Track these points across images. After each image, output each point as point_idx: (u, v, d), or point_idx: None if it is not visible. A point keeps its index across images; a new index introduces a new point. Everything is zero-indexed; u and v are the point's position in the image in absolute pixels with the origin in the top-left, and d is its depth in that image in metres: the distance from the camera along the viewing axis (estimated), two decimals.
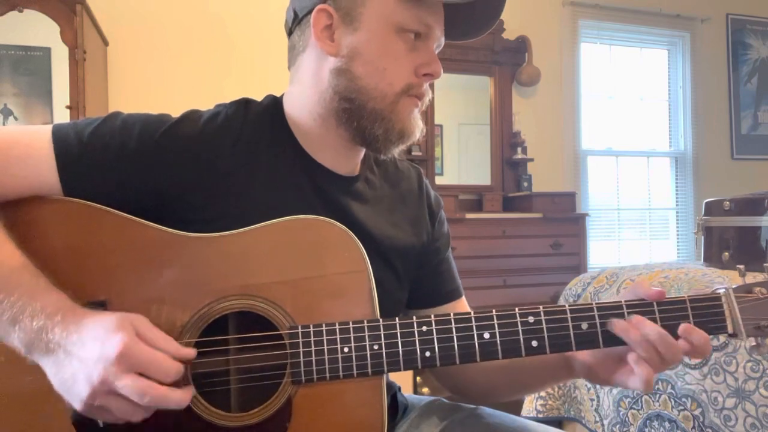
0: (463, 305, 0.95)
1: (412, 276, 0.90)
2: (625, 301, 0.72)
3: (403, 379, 2.39)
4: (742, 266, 0.75)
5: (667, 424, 1.34)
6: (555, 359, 0.80)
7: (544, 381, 0.88)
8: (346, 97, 0.78)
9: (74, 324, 0.62)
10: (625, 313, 0.71)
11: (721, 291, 0.73)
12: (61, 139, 0.73)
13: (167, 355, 0.62)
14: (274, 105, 0.84)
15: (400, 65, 0.77)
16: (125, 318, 0.63)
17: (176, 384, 0.63)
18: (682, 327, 0.70)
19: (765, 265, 0.75)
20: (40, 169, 0.72)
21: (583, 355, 0.77)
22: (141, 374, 0.60)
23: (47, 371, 0.63)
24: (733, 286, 0.74)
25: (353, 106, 0.78)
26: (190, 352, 0.65)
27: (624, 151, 4.10)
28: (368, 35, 0.77)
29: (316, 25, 0.78)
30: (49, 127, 0.74)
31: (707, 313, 0.72)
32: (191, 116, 0.79)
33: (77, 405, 0.61)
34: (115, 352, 0.59)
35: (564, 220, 3.34)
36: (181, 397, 0.62)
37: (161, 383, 0.61)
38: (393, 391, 0.93)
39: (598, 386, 1.53)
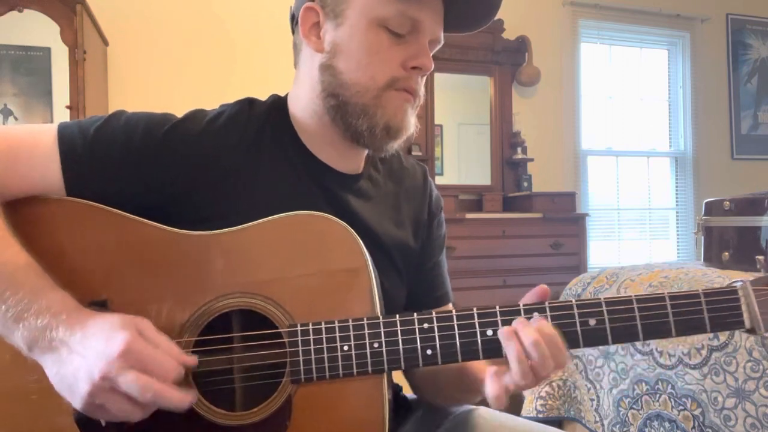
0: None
1: (411, 275, 0.90)
2: (622, 296, 0.70)
3: (404, 379, 2.38)
4: (761, 257, 0.73)
5: (667, 424, 1.34)
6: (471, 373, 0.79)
7: (461, 393, 0.86)
8: (332, 93, 0.78)
9: (79, 323, 0.63)
10: (632, 308, 0.69)
11: (738, 284, 0.70)
12: (65, 138, 0.73)
13: (169, 356, 0.63)
14: (278, 104, 0.84)
15: (382, 59, 0.76)
16: (129, 319, 0.63)
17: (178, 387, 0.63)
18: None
19: (757, 257, 0.73)
20: (45, 169, 0.72)
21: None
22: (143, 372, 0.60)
23: (47, 370, 0.63)
24: (750, 279, 0.71)
25: (338, 102, 0.78)
26: (192, 359, 0.65)
27: (624, 151, 4.11)
28: (350, 30, 0.77)
29: (304, 23, 0.79)
30: (54, 126, 0.74)
31: (723, 307, 0.69)
32: (195, 115, 0.79)
33: (77, 403, 0.61)
34: (119, 348, 0.59)
35: (564, 220, 3.34)
36: (181, 398, 0.62)
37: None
38: (395, 391, 0.92)
39: (598, 386, 1.53)
